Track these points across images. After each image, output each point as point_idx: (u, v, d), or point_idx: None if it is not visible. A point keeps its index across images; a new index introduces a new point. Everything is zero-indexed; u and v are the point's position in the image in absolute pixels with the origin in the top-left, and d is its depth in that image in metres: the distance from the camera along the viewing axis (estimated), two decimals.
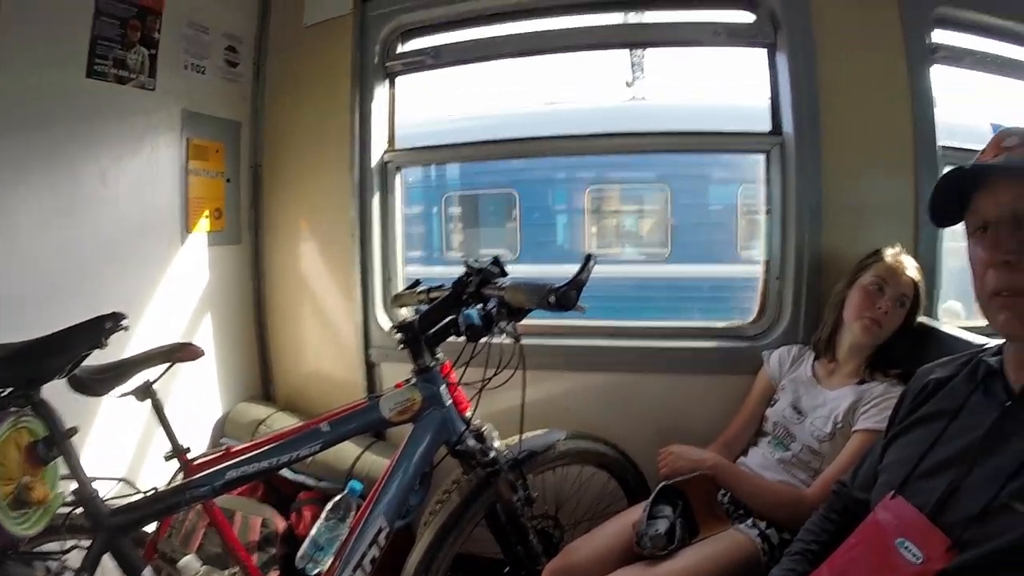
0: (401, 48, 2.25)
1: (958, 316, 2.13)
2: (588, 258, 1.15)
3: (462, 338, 1.31)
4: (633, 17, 2.10)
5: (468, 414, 1.46)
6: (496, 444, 1.51)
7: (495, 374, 1.35)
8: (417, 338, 1.36)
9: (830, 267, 1.87)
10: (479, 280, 1.30)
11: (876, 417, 1.44)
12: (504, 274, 1.35)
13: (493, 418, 1.51)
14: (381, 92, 2.23)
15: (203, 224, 2.16)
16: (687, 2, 2.04)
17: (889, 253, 1.60)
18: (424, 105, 2.80)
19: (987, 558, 0.77)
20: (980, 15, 2.01)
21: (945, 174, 0.86)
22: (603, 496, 1.82)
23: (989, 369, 0.92)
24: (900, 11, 1.88)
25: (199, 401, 2.17)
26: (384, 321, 2.20)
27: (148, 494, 1.25)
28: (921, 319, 1.61)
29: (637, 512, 1.49)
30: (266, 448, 1.31)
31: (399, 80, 2.28)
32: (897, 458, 0.99)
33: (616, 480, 1.80)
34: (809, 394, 1.64)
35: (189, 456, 1.49)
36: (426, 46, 2.23)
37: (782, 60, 1.93)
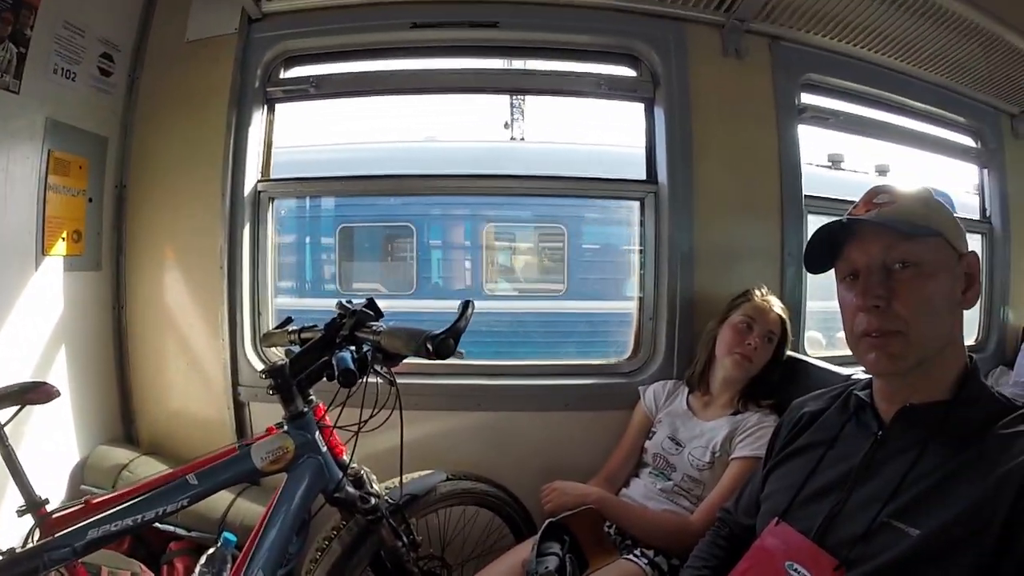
0: (283, 74, 2.16)
1: (820, 344, 2.35)
2: (466, 305, 1.14)
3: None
4: (518, 63, 2.18)
5: (345, 458, 1.41)
6: (375, 488, 1.46)
7: (371, 416, 1.30)
8: (288, 383, 1.28)
9: (702, 306, 2.00)
10: (353, 323, 1.26)
11: (752, 445, 1.55)
12: (379, 315, 1.31)
13: (371, 460, 1.46)
14: (259, 118, 2.13)
15: (60, 247, 1.91)
16: (571, 54, 2.12)
17: (757, 294, 1.74)
18: (304, 132, 2.72)
19: (873, 574, 0.83)
20: (843, 81, 2.31)
21: (821, 227, 0.95)
22: (489, 532, 1.81)
23: (859, 402, 1.01)
24: (772, 76, 2.11)
25: (55, 445, 1.92)
26: (254, 359, 2.08)
27: (0, 557, 1.10)
28: (790, 352, 1.75)
29: (525, 550, 1.51)
30: (129, 503, 1.18)
31: (278, 108, 2.19)
32: (778, 487, 1.06)
33: (501, 518, 1.80)
34: (686, 426, 1.73)
35: (47, 509, 1.33)
36: (309, 74, 2.16)
37: (659, 114, 2.07)
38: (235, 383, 2.07)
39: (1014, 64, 2.46)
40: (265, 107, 2.15)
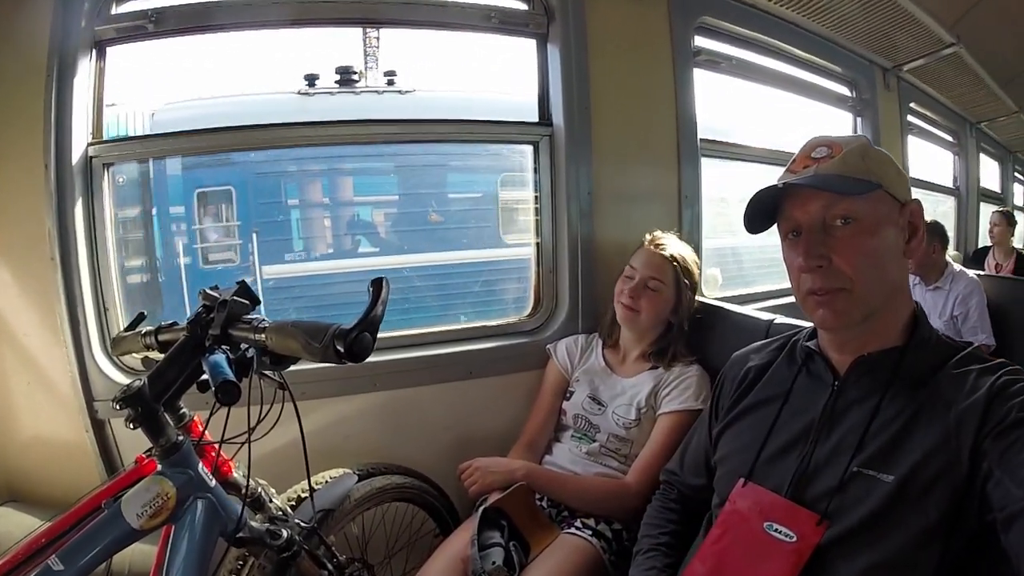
0: (115, 10, 1.69)
1: (717, 282, 2.38)
2: (379, 284, 0.86)
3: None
4: None
5: (237, 476, 1.16)
6: (278, 502, 1.24)
7: (259, 420, 1.00)
8: (151, 410, 0.97)
9: (604, 254, 1.92)
10: (224, 318, 0.95)
11: (679, 398, 1.51)
12: (256, 302, 1.00)
13: (262, 467, 1.17)
14: (87, 66, 1.66)
15: None
16: None
17: (647, 238, 1.67)
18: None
19: (858, 525, 0.83)
20: (736, 26, 2.30)
21: (758, 191, 0.93)
22: (411, 522, 1.65)
23: (808, 352, 1.01)
24: (669, 17, 2.02)
25: None
26: (107, 366, 1.67)
27: None
28: (706, 300, 1.70)
29: (459, 542, 1.38)
30: None
31: (111, 51, 1.73)
32: (736, 446, 1.04)
33: (423, 509, 1.64)
34: (606, 384, 1.65)
35: None
36: (146, 8, 1.69)
37: (554, 52, 1.91)
38: (89, 399, 1.65)
39: (889, 20, 2.64)
40: (94, 51, 1.68)
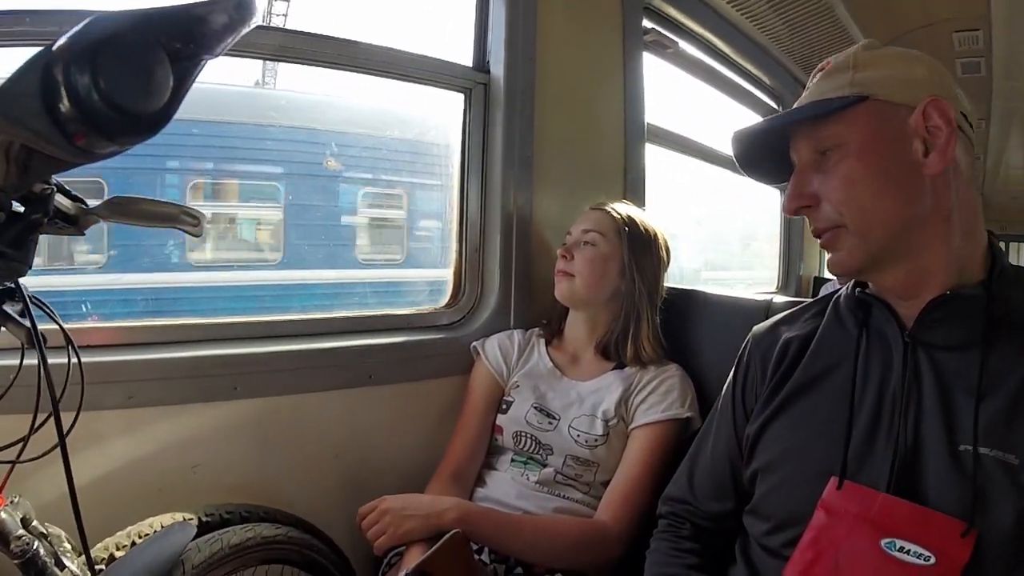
0: None
1: None
2: None
3: None
4: None
5: (5, 517, 0.70)
6: (73, 569, 0.77)
7: (34, 430, 0.64)
8: None
9: (543, 235, 1.56)
10: None
11: (659, 406, 1.15)
12: None
13: (59, 507, 0.71)
14: None
15: None
16: None
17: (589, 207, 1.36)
18: None
19: (1012, 530, 0.61)
20: (681, 15, 2.14)
21: (743, 145, 0.80)
22: None
23: (864, 300, 0.78)
24: None
25: None
26: None
27: None
28: (677, 286, 1.36)
29: None
30: None
31: None
32: (797, 442, 0.78)
33: (305, 573, 1.11)
34: (555, 390, 1.24)
35: None
36: None
37: None
38: None
39: (821, 38, 2.60)
40: None
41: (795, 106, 0.76)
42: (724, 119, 2.78)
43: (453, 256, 1.57)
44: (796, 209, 0.75)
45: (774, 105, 2.89)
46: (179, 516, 1.00)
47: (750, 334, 0.91)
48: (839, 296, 0.84)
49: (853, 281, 0.82)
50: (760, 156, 0.80)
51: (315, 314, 1.41)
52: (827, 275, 3.15)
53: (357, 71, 1.49)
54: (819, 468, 0.72)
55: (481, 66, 1.58)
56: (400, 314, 1.49)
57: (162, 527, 0.96)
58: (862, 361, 0.75)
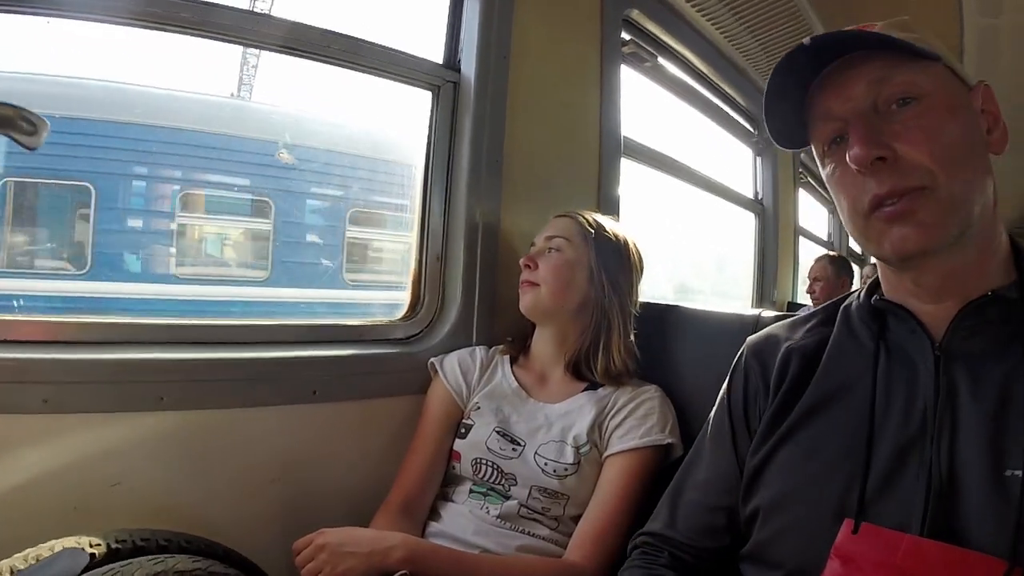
0: None
1: None
2: None
3: None
4: None
5: None
6: None
7: None
8: None
9: (510, 247, 1.45)
10: None
11: (637, 431, 1.03)
12: None
13: None
14: None
15: None
16: None
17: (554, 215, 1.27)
18: None
19: None
20: (660, 31, 2.08)
21: (780, 64, 0.64)
22: None
23: (883, 309, 0.68)
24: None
25: None
26: None
27: None
28: (653, 300, 1.27)
29: None
30: None
31: None
32: (810, 474, 0.66)
33: None
34: (520, 412, 1.12)
35: None
36: None
37: None
38: None
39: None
40: None
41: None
42: (700, 140, 2.73)
43: (412, 264, 1.44)
44: (872, 159, 0.60)
45: (749, 128, 2.87)
46: (84, 540, 0.85)
47: (744, 344, 0.81)
48: (849, 303, 0.74)
49: (867, 287, 0.73)
50: (794, 85, 0.67)
51: (254, 320, 1.26)
52: (801, 300, 3.12)
53: (316, 59, 1.37)
54: (836, 507, 0.62)
55: (451, 63, 1.48)
56: (350, 325, 1.36)
57: (38, 559, 0.81)
58: (882, 380, 0.65)
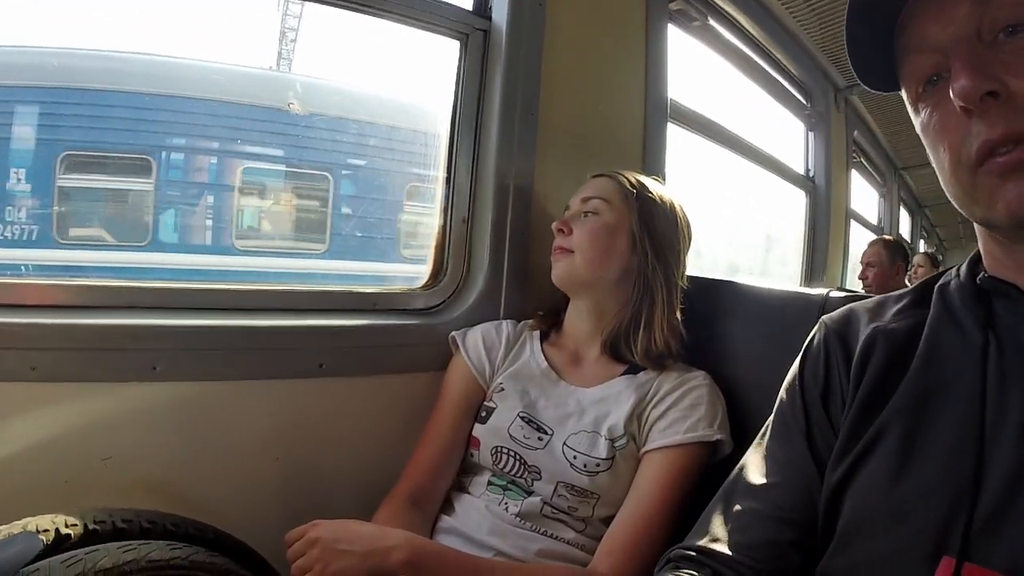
0: None
1: None
2: None
3: None
4: None
5: None
6: None
7: None
8: None
9: (543, 210, 1.32)
10: None
11: (683, 424, 0.89)
12: None
13: None
14: None
15: None
16: None
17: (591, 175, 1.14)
18: None
19: None
20: None
21: None
22: None
23: (991, 287, 0.55)
24: None
25: None
26: None
27: None
28: (699, 275, 1.13)
29: None
30: None
31: None
32: (902, 496, 0.52)
33: None
34: (550, 396, 0.99)
35: None
36: None
37: None
38: None
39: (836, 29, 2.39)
40: None
41: None
42: (749, 111, 2.55)
43: (436, 227, 1.32)
44: (981, 92, 0.49)
45: (801, 99, 2.68)
46: (60, 520, 0.77)
47: (820, 321, 0.67)
48: (946, 282, 0.60)
49: (968, 261, 0.60)
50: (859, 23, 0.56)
51: (256, 284, 1.15)
52: (850, 287, 2.93)
53: (341, 6, 1.26)
54: (932, 542, 0.49)
55: (482, 10, 1.34)
56: (364, 292, 1.23)
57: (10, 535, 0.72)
58: (993, 381, 0.51)
